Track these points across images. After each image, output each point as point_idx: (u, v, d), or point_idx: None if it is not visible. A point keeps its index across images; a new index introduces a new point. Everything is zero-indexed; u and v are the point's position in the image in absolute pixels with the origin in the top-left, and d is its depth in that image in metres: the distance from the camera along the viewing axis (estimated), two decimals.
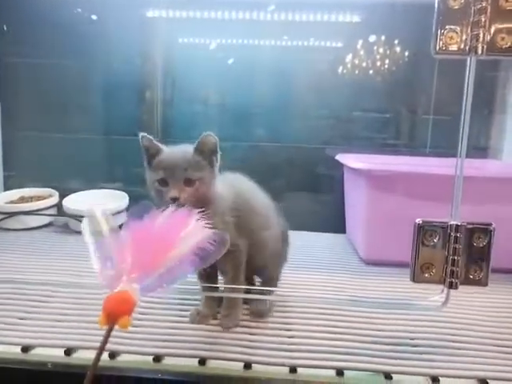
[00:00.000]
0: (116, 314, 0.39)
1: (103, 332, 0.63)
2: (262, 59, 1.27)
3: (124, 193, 1.21)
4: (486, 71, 1.20)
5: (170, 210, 0.53)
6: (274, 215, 0.78)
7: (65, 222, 1.19)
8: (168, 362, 0.60)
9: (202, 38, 1.28)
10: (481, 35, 0.49)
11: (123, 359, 0.60)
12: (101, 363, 0.59)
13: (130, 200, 1.19)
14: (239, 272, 0.70)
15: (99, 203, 1.16)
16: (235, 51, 1.27)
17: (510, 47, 0.48)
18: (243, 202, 0.70)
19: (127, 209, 1.16)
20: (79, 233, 1.10)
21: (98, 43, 1.27)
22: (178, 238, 0.45)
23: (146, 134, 0.66)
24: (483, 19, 0.49)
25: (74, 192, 1.21)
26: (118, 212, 1.11)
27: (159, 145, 0.66)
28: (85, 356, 0.61)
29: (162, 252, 0.43)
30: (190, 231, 0.48)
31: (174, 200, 0.61)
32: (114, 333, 0.63)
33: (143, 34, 1.27)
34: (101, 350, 0.42)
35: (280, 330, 0.69)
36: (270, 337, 0.66)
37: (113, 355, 0.60)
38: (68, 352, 0.61)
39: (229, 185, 0.71)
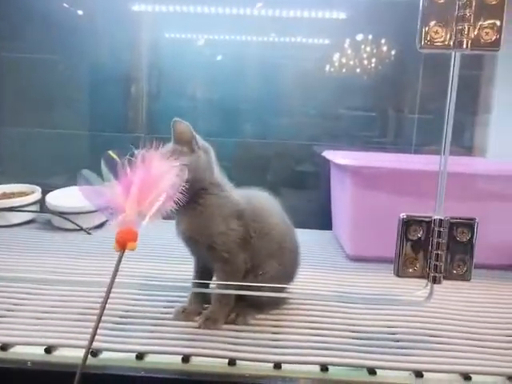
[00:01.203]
0: (125, 241, 0.52)
1: (85, 330, 0.63)
2: (249, 55, 1.26)
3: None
4: (470, 70, 1.21)
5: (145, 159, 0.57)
6: (290, 242, 0.75)
7: (48, 219, 1.17)
8: (151, 359, 0.59)
9: (188, 33, 1.27)
10: (465, 30, 0.49)
11: (105, 357, 0.59)
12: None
13: None
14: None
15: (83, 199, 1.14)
16: (222, 47, 1.27)
17: (493, 42, 0.49)
18: (256, 217, 0.70)
19: None
20: (62, 229, 1.10)
21: (83, 38, 1.25)
22: (158, 180, 0.55)
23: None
24: (468, 14, 0.49)
25: (58, 188, 1.19)
26: None
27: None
28: (65, 354, 0.59)
29: (148, 193, 0.54)
30: (166, 172, 0.56)
31: None
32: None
33: (129, 29, 1.26)
34: (114, 273, 0.51)
35: (264, 326, 0.68)
36: (255, 333, 0.66)
37: (95, 353, 0.59)
38: (48, 350, 0.60)
39: (244, 194, 0.71)
